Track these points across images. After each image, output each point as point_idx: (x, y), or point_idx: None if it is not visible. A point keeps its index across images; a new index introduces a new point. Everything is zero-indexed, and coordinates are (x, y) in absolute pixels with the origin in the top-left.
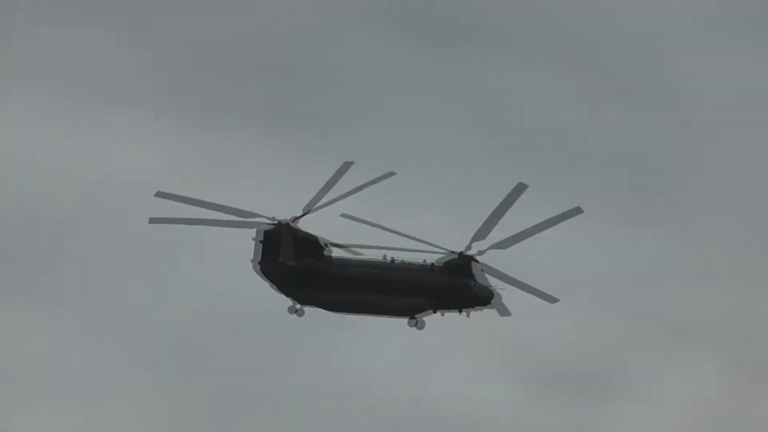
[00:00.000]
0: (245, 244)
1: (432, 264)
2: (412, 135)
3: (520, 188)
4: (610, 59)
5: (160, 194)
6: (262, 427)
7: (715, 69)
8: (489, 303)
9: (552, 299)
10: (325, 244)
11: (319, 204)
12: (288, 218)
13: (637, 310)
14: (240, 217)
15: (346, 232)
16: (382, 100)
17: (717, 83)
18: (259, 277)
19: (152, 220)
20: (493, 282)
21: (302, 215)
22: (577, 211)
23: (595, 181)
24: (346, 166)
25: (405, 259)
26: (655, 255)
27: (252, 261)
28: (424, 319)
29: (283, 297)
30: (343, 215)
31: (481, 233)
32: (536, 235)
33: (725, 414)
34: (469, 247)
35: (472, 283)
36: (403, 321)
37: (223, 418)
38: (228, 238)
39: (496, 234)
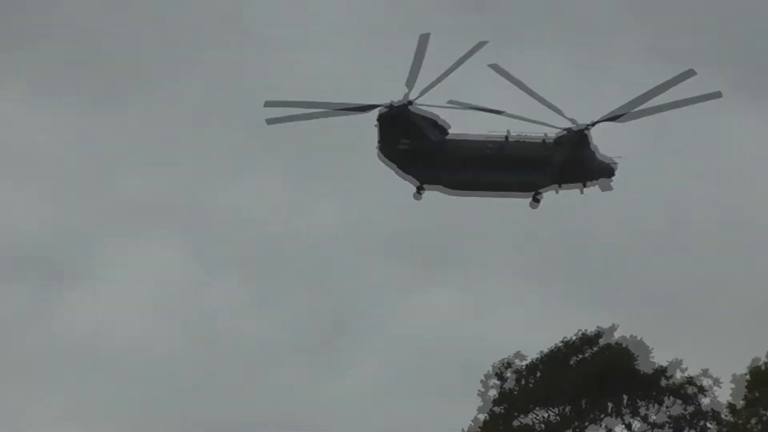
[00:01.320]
0: None
1: (544, 139)
2: None
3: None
4: None
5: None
6: None
7: None
8: (612, 174)
9: (716, 95)
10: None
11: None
12: (404, 101)
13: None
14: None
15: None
16: None
17: None
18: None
19: (267, 104)
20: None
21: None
22: (690, 73)
23: None
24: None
25: (522, 135)
26: None
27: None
28: (544, 195)
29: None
30: (450, 102)
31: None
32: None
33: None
34: (574, 122)
35: (592, 156)
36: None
37: None
38: None
39: None
